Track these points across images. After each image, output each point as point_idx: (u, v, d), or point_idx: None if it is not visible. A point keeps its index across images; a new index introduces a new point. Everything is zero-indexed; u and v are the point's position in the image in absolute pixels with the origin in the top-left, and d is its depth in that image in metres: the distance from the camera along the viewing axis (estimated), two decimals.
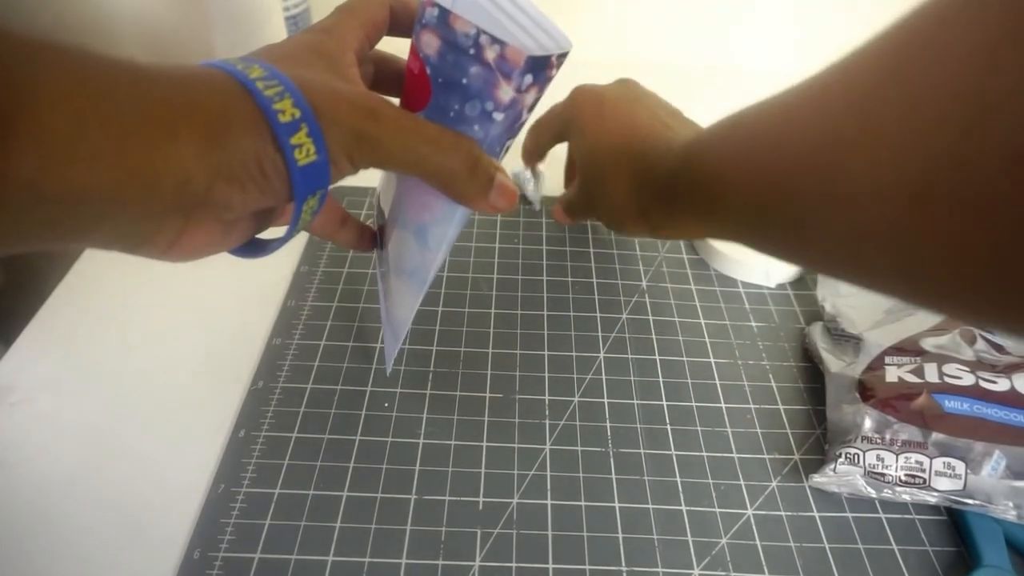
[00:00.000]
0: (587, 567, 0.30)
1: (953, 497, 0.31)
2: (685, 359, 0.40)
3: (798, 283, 0.46)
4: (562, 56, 0.24)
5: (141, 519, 0.32)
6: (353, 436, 0.35)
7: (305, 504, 0.32)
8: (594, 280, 0.45)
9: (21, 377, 0.38)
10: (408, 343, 0.40)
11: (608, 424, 0.36)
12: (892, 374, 0.35)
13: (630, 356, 0.40)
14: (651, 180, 0.32)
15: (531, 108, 0.26)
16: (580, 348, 0.41)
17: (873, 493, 0.33)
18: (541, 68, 0.23)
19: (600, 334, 0.42)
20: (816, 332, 0.41)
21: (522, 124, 0.26)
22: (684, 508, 0.33)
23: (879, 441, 0.33)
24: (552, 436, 0.36)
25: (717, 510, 0.33)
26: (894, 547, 0.32)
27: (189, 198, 0.20)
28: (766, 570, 0.31)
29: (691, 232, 0.37)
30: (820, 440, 0.36)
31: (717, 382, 0.39)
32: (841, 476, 0.33)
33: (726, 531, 0.32)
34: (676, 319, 0.43)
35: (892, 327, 0.38)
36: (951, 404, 0.32)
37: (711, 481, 0.34)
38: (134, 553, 0.30)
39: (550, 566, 0.30)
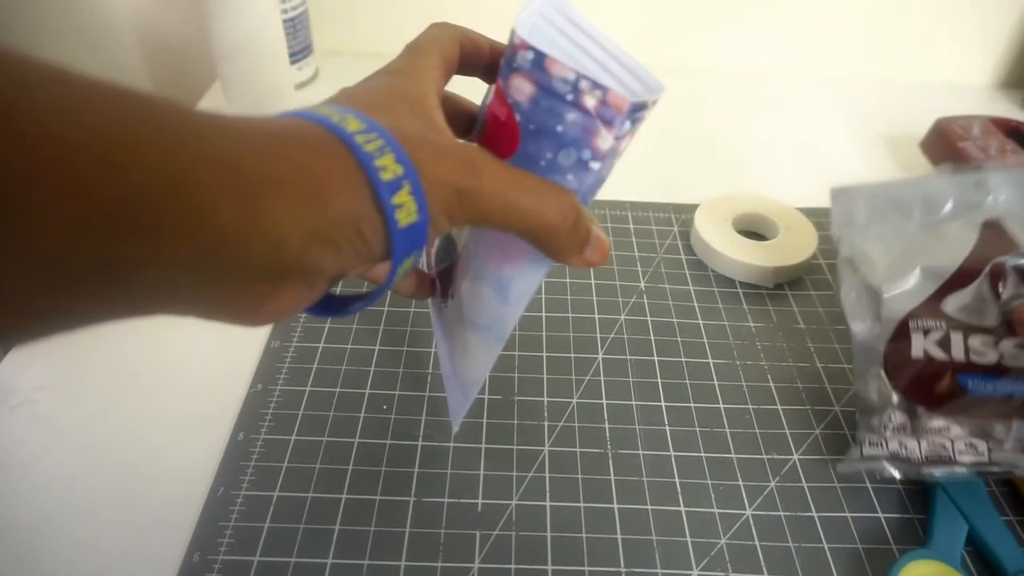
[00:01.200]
0: (586, 568, 0.31)
1: (980, 469, 0.31)
2: (683, 360, 0.40)
3: (796, 284, 0.46)
4: (655, 101, 0.22)
5: (141, 522, 0.32)
6: (352, 438, 0.35)
7: (304, 507, 0.32)
8: (592, 281, 0.45)
9: (22, 380, 0.38)
10: (406, 345, 0.40)
11: (607, 425, 0.37)
12: (917, 346, 0.34)
13: (628, 357, 0.40)
14: None
15: (621, 155, 0.24)
16: (578, 349, 0.41)
17: (898, 475, 0.32)
18: (639, 112, 0.22)
19: (599, 335, 0.42)
20: (844, 280, 0.37)
21: (610, 172, 0.25)
22: (683, 509, 0.33)
23: (904, 431, 0.32)
24: (551, 438, 0.36)
25: (716, 511, 0.33)
26: (893, 547, 0.32)
27: (280, 263, 0.18)
28: (765, 571, 0.31)
29: None
30: (819, 440, 0.36)
31: (715, 383, 0.39)
32: (867, 461, 0.33)
33: (725, 532, 0.32)
34: (675, 320, 0.43)
35: (911, 271, 0.35)
36: (974, 385, 0.32)
37: (710, 482, 0.34)
38: (134, 556, 0.30)
39: (549, 567, 0.30)
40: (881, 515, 0.33)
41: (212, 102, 0.63)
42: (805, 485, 0.34)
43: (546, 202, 0.22)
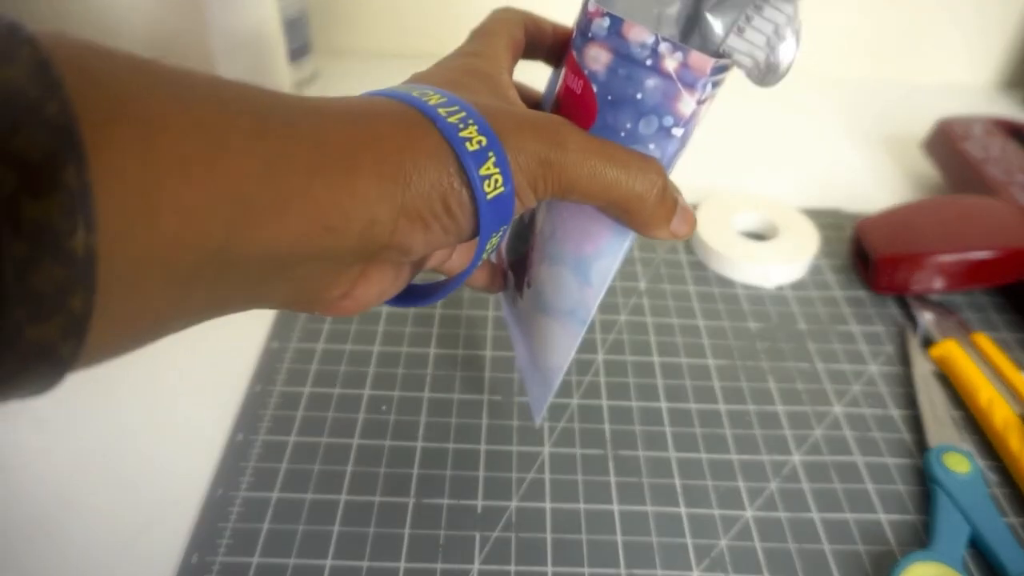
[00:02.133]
0: (586, 570, 0.30)
1: None
2: (683, 361, 0.40)
3: (796, 284, 0.46)
4: (732, 65, 0.22)
5: (139, 523, 0.32)
6: (351, 439, 0.35)
7: (303, 508, 0.32)
8: None
9: None
10: (406, 346, 0.40)
11: (607, 426, 0.36)
12: None
13: (628, 358, 0.40)
14: None
15: (701, 121, 0.24)
16: (578, 350, 0.41)
17: None
18: (721, 73, 0.21)
19: (598, 336, 0.42)
20: None
21: (690, 139, 0.24)
22: (683, 510, 0.33)
23: None
24: (550, 439, 0.36)
25: (716, 512, 0.33)
26: (894, 549, 0.32)
27: (373, 242, 0.18)
28: (766, 572, 0.31)
29: None
30: (820, 441, 0.36)
31: (715, 384, 0.39)
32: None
33: (725, 533, 0.32)
34: (675, 320, 0.43)
35: None
36: None
37: (710, 483, 0.34)
38: (132, 557, 0.30)
39: (549, 569, 0.30)
40: (882, 516, 0.33)
41: None
42: (805, 486, 0.34)
43: (633, 171, 0.22)
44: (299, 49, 0.63)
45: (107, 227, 0.13)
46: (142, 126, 0.14)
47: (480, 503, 0.33)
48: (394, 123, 0.19)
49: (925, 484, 0.34)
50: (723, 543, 0.32)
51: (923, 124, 0.65)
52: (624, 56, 0.21)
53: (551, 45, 0.27)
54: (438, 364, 0.39)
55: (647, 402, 0.38)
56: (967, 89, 0.73)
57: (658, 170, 0.22)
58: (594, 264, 0.25)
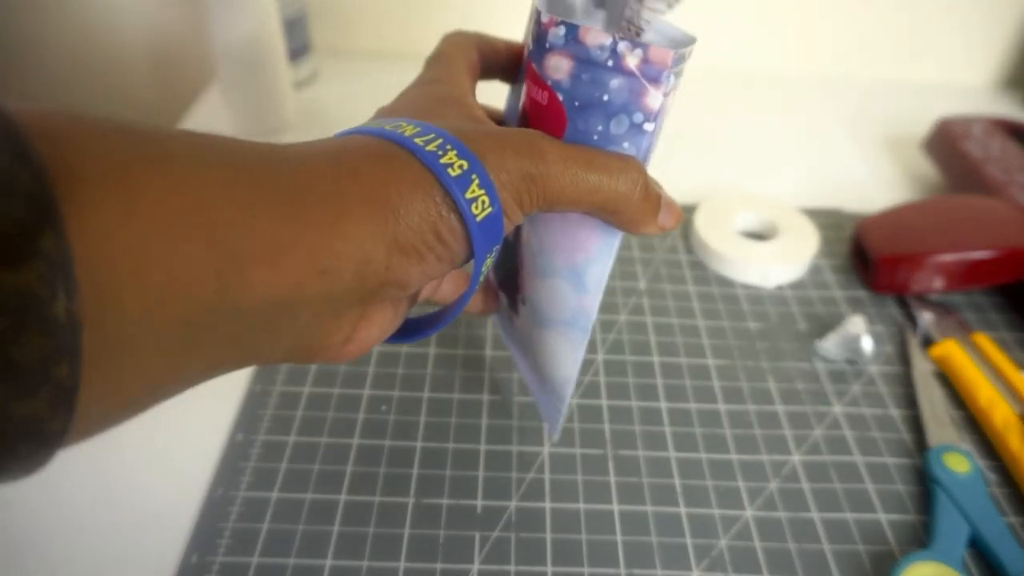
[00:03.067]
0: (586, 570, 0.30)
1: None
2: (683, 360, 0.40)
3: (796, 284, 0.46)
4: (692, 50, 0.22)
5: (139, 523, 0.32)
6: (351, 439, 0.35)
7: (303, 508, 0.32)
8: None
9: None
10: (405, 346, 0.40)
11: (607, 426, 0.36)
12: None
13: (628, 358, 0.40)
14: None
15: (668, 113, 0.24)
16: None
17: None
18: (680, 64, 0.22)
19: (598, 336, 0.42)
20: None
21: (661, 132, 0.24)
22: (683, 510, 0.33)
23: None
24: (551, 439, 0.36)
25: (716, 512, 0.33)
26: (894, 549, 0.32)
27: (370, 281, 0.18)
28: (766, 572, 0.31)
29: None
30: (820, 441, 0.36)
31: (715, 383, 0.39)
32: None
33: (725, 533, 0.32)
34: (674, 320, 0.43)
35: None
36: None
37: (710, 483, 0.34)
38: (132, 557, 0.30)
39: (549, 569, 0.30)
40: (882, 516, 0.33)
41: (210, 101, 0.63)
42: (805, 486, 0.34)
43: (614, 172, 0.22)
44: (299, 49, 0.63)
45: (90, 291, 0.13)
46: (121, 186, 0.14)
47: (480, 503, 0.33)
48: (375, 159, 0.19)
49: (925, 484, 0.34)
50: (723, 543, 0.32)
51: (923, 124, 0.65)
52: (585, 61, 0.21)
53: (505, 63, 0.27)
54: (438, 364, 0.39)
55: (647, 402, 0.38)
56: (967, 89, 0.73)
57: (637, 167, 0.23)
58: (588, 271, 0.26)
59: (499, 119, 0.28)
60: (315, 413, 0.36)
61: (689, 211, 0.52)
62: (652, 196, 0.23)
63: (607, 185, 0.22)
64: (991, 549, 0.31)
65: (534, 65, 0.23)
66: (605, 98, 0.22)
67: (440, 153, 0.19)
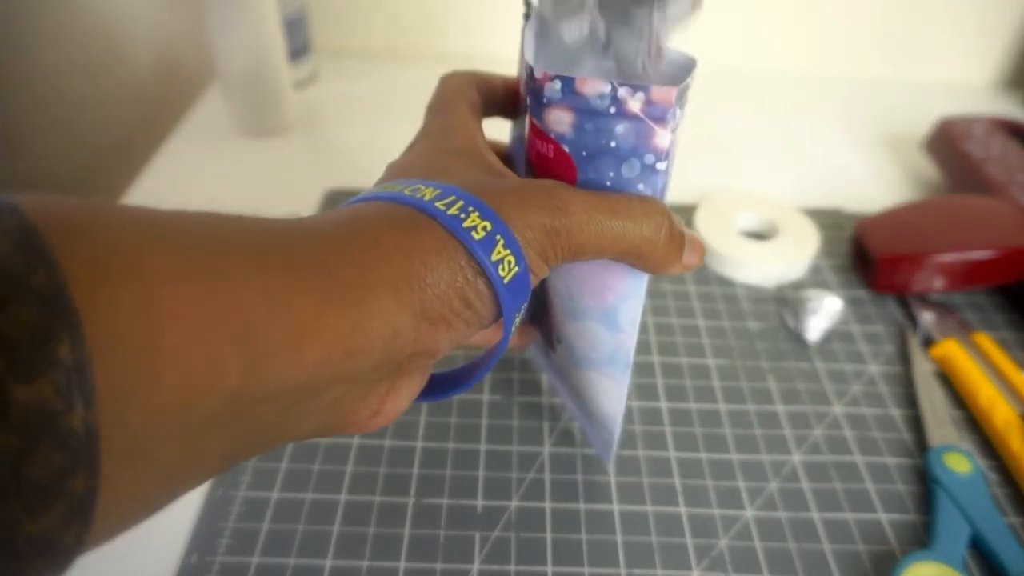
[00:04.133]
0: (586, 569, 0.30)
1: None
2: (683, 360, 0.40)
3: (796, 284, 0.46)
4: (694, 76, 0.22)
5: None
6: (351, 440, 0.35)
7: (303, 508, 0.32)
8: None
9: None
10: None
11: None
12: None
13: None
14: None
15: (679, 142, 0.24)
16: None
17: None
18: (684, 95, 0.21)
19: None
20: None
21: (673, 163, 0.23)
22: (683, 510, 0.33)
23: None
24: (550, 439, 0.36)
25: (716, 511, 0.33)
26: (894, 549, 0.32)
27: (398, 354, 0.18)
28: (765, 572, 0.31)
29: None
30: (820, 441, 0.36)
31: (715, 383, 0.39)
32: None
33: (725, 533, 0.32)
34: (674, 320, 0.43)
35: None
36: None
37: (710, 483, 0.34)
38: (132, 557, 0.30)
39: (549, 569, 0.30)
40: (882, 516, 0.33)
41: (211, 101, 0.63)
42: (805, 486, 0.34)
43: (638, 217, 0.21)
44: (299, 49, 0.63)
45: (108, 397, 0.12)
46: (137, 281, 0.13)
47: (480, 503, 0.33)
48: (395, 228, 0.18)
49: (925, 484, 0.34)
50: (723, 543, 0.32)
51: (923, 124, 0.65)
52: (586, 111, 0.21)
53: (503, 100, 0.27)
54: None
55: (647, 402, 0.38)
56: (967, 89, 0.73)
57: (660, 210, 0.22)
58: (620, 310, 0.25)
59: (505, 154, 0.28)
60: None
61: (689, 211, 0.52)
62: (676, 237, 0.23)
63: (633, 232, 0.21)
64: (992, 549, 0.31)
65: (535, 120, 0.22)
66: (613, 144, 0.21)
67: (463, 216, 0.18)
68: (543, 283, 0.27)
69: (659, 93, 0.20)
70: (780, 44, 0.72)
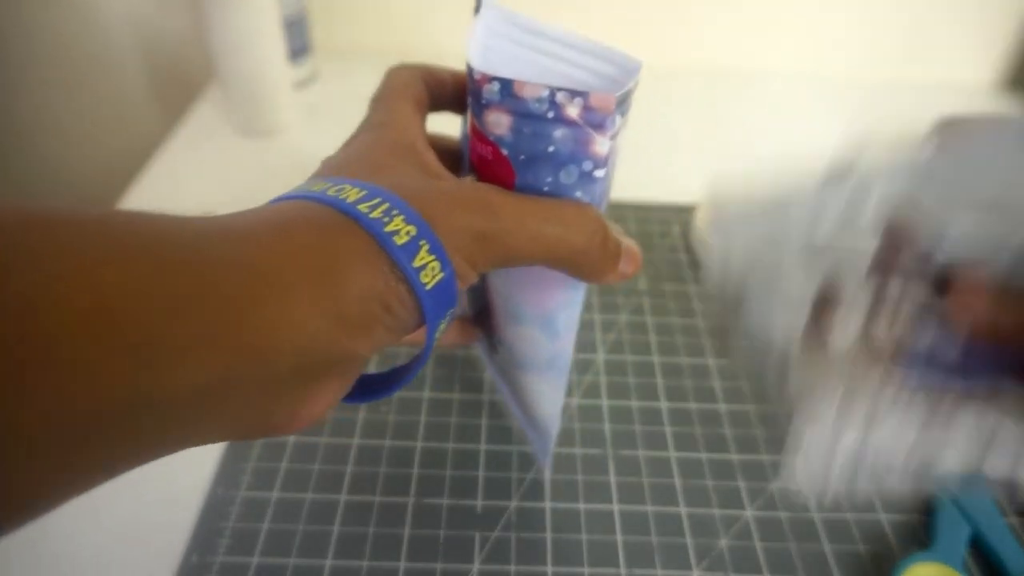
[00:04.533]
0: (586, 569, 0.30)
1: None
2: (683, 360, 0.40)
3: None
4: (637, 81, 0.21)
5: (138, 523, 0.32)
6: (351, 440, 0.35)
7: (303, 508, 0.32)
8: None
9: None
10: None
11: (607, 426, 0.36)
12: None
13: (628, 357, 0.40)
14: None
15: (619, 149, 0.23)
16: (578, 350, 0.40)
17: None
18: (626, 101, 0.21)
19: (598, 336, 0.42)
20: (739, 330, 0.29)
21: (615, 170, 0.23)
22: (683, 510, 0.33)
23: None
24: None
25: (716, 511, 0.33)
26: (895, 549, 0.32)
27: (313, 360, 0.17)
28: (765, 572, 0.31)
29: None
30: None
31: (715, 383, 0.39)
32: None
33: (725, 532, 0.32)
34: (674, 320, 0.43)
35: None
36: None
37: (710, 483, 0.34)
38: (132, 557, 0.30)
39: (549, 569, 0.30)
40: (883, 516, 0.33)
41: (210, 101, 0.63)
42: None
43: (571, 225, 0.21)
44: (299, 49, 0.62)
45: None
46: (24, 280, 0.13)
47: (480, 503, 0.33)
48: (316, 230, 0.18)
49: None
50: (723, 543, 0.32)
51: (923, 124, 0.65)
52: (524, 115, 0.20)
53: (452, 94, 0.26)
54: (438, 364, 0.39)
55: (647, 402, 0.38)
56: (967, 89, 0.73)
57: (595, 217, 0.22)
58: (559, 317, 0.25)
59: (456, 148, 0.27)
60: None
61: (689, 211, 0.52)
62: (611, 245, 0.22)
63: (565, 239, 0.21)
64: (992, 549, 0.31)
65: (476, 121, 0.22)
66: (551, 149, 0.21)
67: (386, 220, 0.18)
68: (485, 286, 0.27)
69: (598, 99, 0.20)
70: (780, 44, 0.72)
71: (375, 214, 0.18)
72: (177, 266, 0.15)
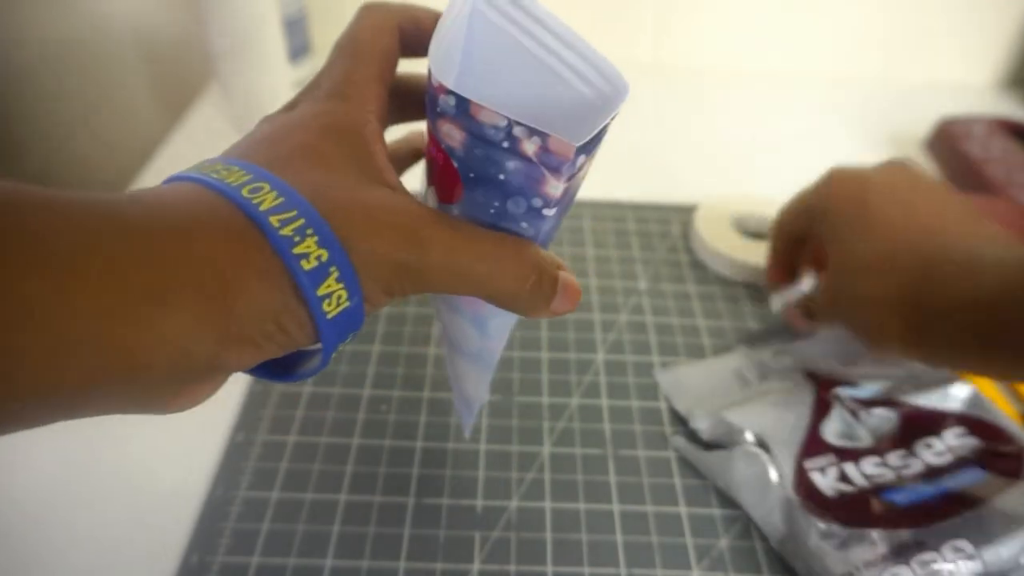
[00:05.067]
0: (586, 569, 0.30)
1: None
2: (683, 360, 0.40)
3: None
4: (615, 117, 0.19)
5: (139, 523, 0.32)
6: (350, 439, 0.35)
7: (303, 508, 0.32)
8: (592, 281, 0.45)
9: None
10: (406, 345, 0.40)
11: (607, 426, 0.36)
12: (826, 486, 0.32)
13: (629, 358, 0.40)
14: (941, 300, 0.29)
15: (583, 181, 0.22)
16: (578, 350, 0.40)
17: None
18: (596, 143, 0.19)
19: (598, 336, 0.42)
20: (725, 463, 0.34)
21: (573, 201, 0.22)
22: (683, 510, 0.33)
23: (889, 558, 0.29)
24: (551, 439, 0.36)
25: (716, 511, 0.33)
26: None
27: (188, 371, 0.16)
28: (765, 572, 0.31)
29: (957, 360, 0.30)
30: None
31: None
32: None
33: (725, 532, 0.32)
34: (674, 320, 0.43)
35: (754, 410, 0.35)
36: (900, 497, 0.31)
37: (710, 482, 0.34)
38: (132, 557, 0.30)
39: (549, 569, 0.30)
40: None
41: (209, 101, 0.63)
42: None
43: (502, 266, 0.20)
44: (299, 49, 0.62)
45: None
46: None
47: (480, 503, 0.33)
48: (217, 238, 0.16)
49: None
50: (723, 543, 0.32)
51: (924, 124, 0.65)
52: (478, 137, 0.19)
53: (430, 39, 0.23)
54: (438, 364, 0.39)
55: (647, 402, 0.38)
56: (967, 89, 0.73)
57: (531, 261, 0.20)
58: (489, 322, 0.25)
59: (420, 94, 0.25)
60: (315, 413, 0.36)
61: (689, 211, 0.52)
62: (545, 285, 0.21)
63: (492, 281, 0.20)
64: None
65: (430, 122, 0.20)
66: (501, 177, 0.19)
67: (297, 239, 0.17)
68: None
69: (557, 144, 0.18)
70: (780, 44, 0.72)
71: (285, 231, 0.17)
72: (48, 260, 0.14)
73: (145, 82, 0.70)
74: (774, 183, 0.57)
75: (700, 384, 0.38)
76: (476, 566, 0.30)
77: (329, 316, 0.17)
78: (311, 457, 0.34)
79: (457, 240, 0.19)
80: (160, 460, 0.34)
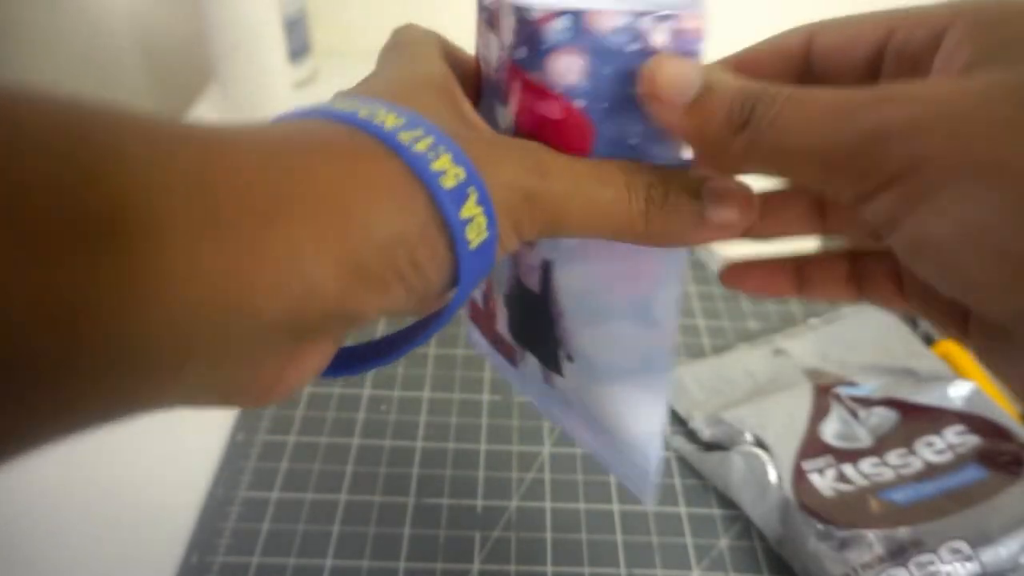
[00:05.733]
0: (586, 569, 0.30)
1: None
2: (683, 360, 0.40)
3: None
4: None
5: (139, 524, 0.32)
6: (351, 439, 0.35)
7: (303, 508, 0.32)
8: None
9: None
10: None
11: None
12: (824, 487, 0.32)
13: None
14: None
15: None
16: None
17: None
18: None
19: None
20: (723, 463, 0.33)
21: None
22: (683, 510, 0.33)
23: (887, 560, 0.29)
24: (551, 439, 0.36)
25: (716, 511, 0.33)
26: None
27: (307, 317, 0.13)
28: (765, 572, 0.31)
29: None
30: None
31: None
32: None
33: (724, 532, 0.32)
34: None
35: (758, 409, 0.35)
36: (899, 496, 0.31)
37: (709, 482, 0.34)
38: (132, 557, 0.30)
39: (549, 569, 0.30)
40: None
41: (209, 102, 0.63)
42: None
43: (632, 179, 0.17)
44: (299, 49, 0.62)
45: None
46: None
47: (480, 503, 0.33)
48: (339, 156, 0.14)
49: None
50: (723, 543, 0.32)
51: None
52: (602, 52, 0.17)
53: (465, 77, 0.21)
54: (438, 364, 0.39)
55: None
56: None
57: (660, 172, 0.18)
58: (655, 299, 0.21)
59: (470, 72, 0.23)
60: (315, 413, 0.36)
61: None
62: (685, 195, 0.18)
63: (621, 203, 0.17)
64: None
65: (531, 75, 0.18)
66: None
67: (431, 155, 0.14)
68: (547, 292, 0.22)
69: (690, 19, 0.17)
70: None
71: (419, 147, 0.14)
72: (143, 174, 0.12)
73: (145, 82, 0.70)
74: (774, 183, 0.57)
75: (700, 384, 0.38)
76: (476, 566, 0.30)
77: (471, 246, 0.15)
78: (311, 457, 0.34)
79: (578, 164, 0.17)
80: (160, 460, 0.34)
